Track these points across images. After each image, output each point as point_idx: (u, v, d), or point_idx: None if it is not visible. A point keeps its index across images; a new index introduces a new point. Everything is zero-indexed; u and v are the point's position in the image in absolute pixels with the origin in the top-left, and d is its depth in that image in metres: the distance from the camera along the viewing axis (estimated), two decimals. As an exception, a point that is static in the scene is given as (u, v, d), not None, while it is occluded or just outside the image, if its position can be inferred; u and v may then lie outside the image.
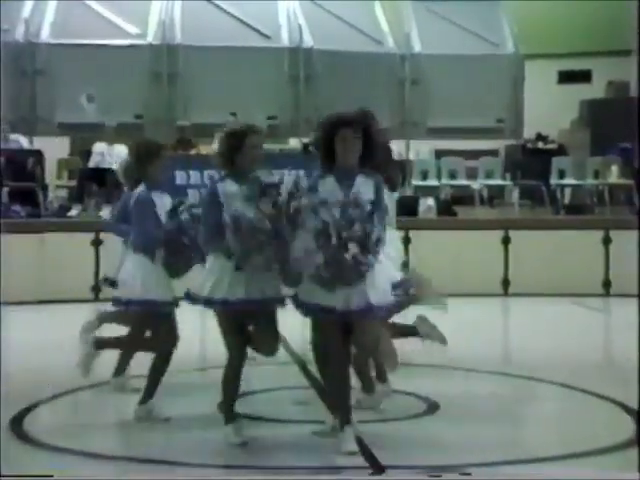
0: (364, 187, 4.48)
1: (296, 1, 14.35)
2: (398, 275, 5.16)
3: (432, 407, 5.61)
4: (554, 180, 13.03)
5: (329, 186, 4.48)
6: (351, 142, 4.46)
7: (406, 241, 10.63)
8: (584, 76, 15.80)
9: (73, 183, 12.40)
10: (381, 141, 4.86)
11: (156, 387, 5.34)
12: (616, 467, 4.60)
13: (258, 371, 6.72)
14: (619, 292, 10.82)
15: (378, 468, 4.42)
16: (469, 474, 4.26)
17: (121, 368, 6.01)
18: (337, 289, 4.43)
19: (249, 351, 4.90)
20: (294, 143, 13.37)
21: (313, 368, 5.35)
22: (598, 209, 12.76)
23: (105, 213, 11.51)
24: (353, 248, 4.34)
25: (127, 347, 5.81)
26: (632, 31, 15.25)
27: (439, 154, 13.91)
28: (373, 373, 5.50)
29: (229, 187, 4.65)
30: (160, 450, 4.87)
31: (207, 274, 4.75)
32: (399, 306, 5.22)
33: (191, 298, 4.80)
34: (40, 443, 4.90)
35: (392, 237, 5.10)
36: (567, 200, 13.39)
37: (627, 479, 4.33)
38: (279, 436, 5.09)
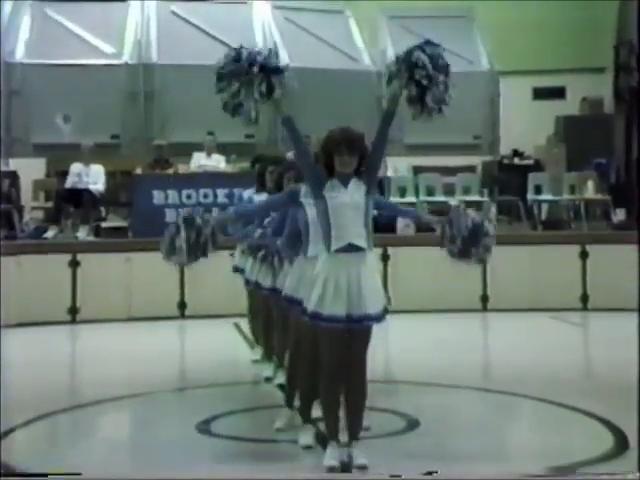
0: (357, 190, 4.77)
1: (272, 19, 14.37)
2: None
3: (412, 423, 5.60)
4: (531, 196, 13.07)
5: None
6: (348, 161, 4.80)
7: (384, 258, 10.65)
8: (558, 92, 15.91)
9: (49, 204, 12.31)
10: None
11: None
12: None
13: (236, 390, 6.69)
14: (597, 306, 10.87)
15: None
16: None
17: None
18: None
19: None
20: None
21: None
22: (574, 224, 12.82)
23: (82, 234, 11.44)
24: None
25: None
26: (605, 48, 15.42)
27: (416, 170, 13.93)
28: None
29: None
30: (143, 471, 4.83)
31: None
32: None
33: None
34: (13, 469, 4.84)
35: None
36: (544, 215, 13.43)
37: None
38: (258, 455, 5.06)
